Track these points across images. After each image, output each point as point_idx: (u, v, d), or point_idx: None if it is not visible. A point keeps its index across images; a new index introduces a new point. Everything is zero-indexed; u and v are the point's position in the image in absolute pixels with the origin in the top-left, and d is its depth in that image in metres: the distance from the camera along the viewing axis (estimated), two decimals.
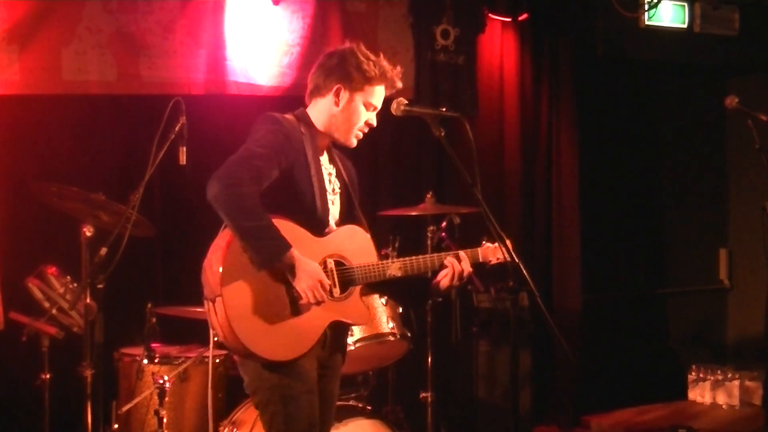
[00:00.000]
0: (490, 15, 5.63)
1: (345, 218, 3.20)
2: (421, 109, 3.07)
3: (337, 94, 3.07)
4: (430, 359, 4.65)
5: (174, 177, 4.56)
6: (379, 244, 4.46)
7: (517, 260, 2.83)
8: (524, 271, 2.82)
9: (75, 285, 3.87)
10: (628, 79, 6.31)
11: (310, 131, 3.09)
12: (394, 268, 3.11)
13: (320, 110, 3.11)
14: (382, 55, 3.13)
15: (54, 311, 3.86)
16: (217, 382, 4.09)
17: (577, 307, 5.84)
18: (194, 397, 4.06)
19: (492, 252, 3.24)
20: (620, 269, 6.46)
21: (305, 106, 3.16)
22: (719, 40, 5.87)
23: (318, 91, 3.11)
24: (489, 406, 5.27)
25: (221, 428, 4.00)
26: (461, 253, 3.18)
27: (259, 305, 2.89)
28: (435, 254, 3.18)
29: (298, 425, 2.94)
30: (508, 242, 2.90)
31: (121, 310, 4.22)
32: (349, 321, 3.12)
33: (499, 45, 5.71)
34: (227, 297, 2.85)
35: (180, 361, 4.03)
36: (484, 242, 3.25)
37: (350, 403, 4.15)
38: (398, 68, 3.15)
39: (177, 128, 3.71)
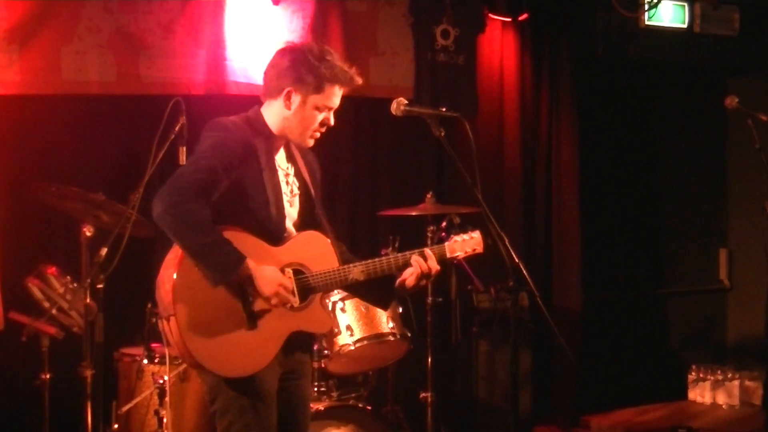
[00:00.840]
0: (490, 15, 5.63)
1: (305, 218, 3.11)
2: (421, 109, 3.04)
3: (288, 98, 2.97)
4: (430, 359, 4.65)
5: None
6: (379, 244, 4.48)
7: (516, 259, 2.82)
8: (524, 271, 2.81)
9: (75, 285, 3.87)
10: (628, 79, 6.31)
11: (264, 134, 3.00)
12: (356, 272, 3.02)
13: (273, 112, 3.02)
14: (335, 55, 3.02)
15: (54, 311, 3.86)
16: None
17: (577, 307, 5.84)
18: (194, 397, 4.05)
19: (460, 245, 3.14)
20: (620, 269, 6.46)
21: (260, 105, 3.07)
22: (719, 40, 5.86)
23: (270, 93, 3.02)
24: (489, 406, 5.27)
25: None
26: (427, 250, 3.06)
27: (214, 322, 2.83)
28: (399, 254, 3.07)
29: None
30: (506, 240, 2.86)
31: (121, 310, 4.22)
32: (310, 330, 3.05)
33: (499, 45, 5.71)
34: (180, 315, 2.79)
35: (180, 361, 4.02)
36: (452, 237, 3.15)
37: (350, 403, 4.15)
38: (354, 67, 3.03)
39: (177, 128, 3.71)
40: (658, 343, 6.55)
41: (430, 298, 4.59)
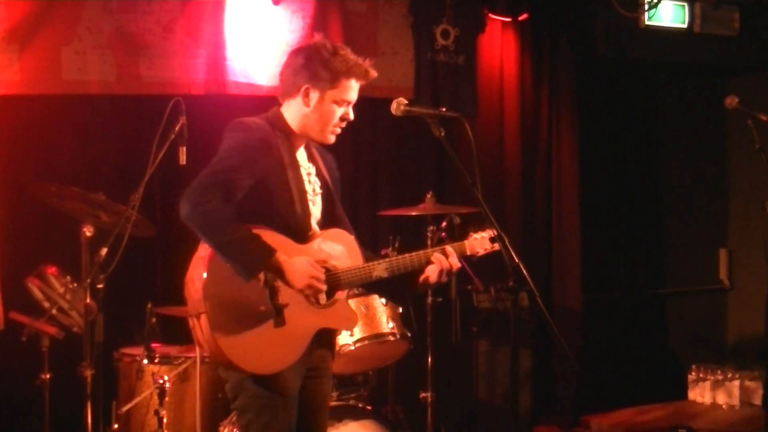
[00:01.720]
0: (490, 15, 5.63)
1: (327, 217, 3.15)
2: (421, 109, 3.04)
3: (306, 95, 3.00)
4: (430, 359, 4.65)
5: (174, 177, 4.56)
6: (379, 244, 4.48)
7: (516, 260, 2.82)
8: (524, 271, 2.82)
9: (75, 285, 3.87)
10: (628, 79, 6.31)
11: (285, 132, 3.03)
12: (380, 269, 3.06)
13: (293, 111, 3.05)
14: (348, 49, 3.06)
15: (54, 311, 3.86)
16: (217, 381, 4.08)
17: (577, 307, 5.84)
18: (194, 397, 4.05)
19: (479, 243, 3.19)
20: (620, 269, 6.46)
21: (279, 105, 3.10)
22: (719, 40, 5.86)
23: (288, 92, 3.05)
24: (489, 406, 5.27)
25: (221, 428, 4.00)
26: (448, 247, 3.12)
27: (243, 319, 2.85)
28: (421, 251, 3.12)
29: None
30: (506, 240, 2.86)
31: (121, 310, 4.22)
32: (336, 327, 3.09)
33: (499, 45, 5.71)
34: (211, 312, 2.81)
35: (180, 361, 4.03)
36: (471, 234, 3.21)
37: (350, 403, 4.15)
38: (367, 60, 3.07)
39: (177, 128, 3.72)
40: (658, 343, 6.55)
41: (430, 298, 4.59)
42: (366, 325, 4.09)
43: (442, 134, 2.95)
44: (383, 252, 3.98)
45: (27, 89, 4.51)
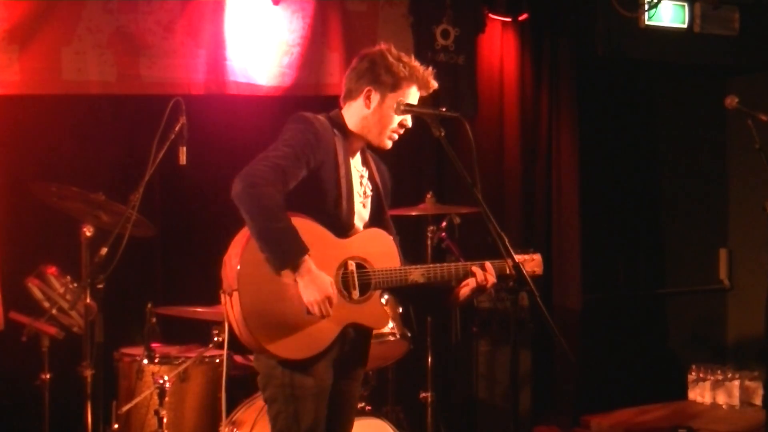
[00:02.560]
0: (490, 15, 5.63)
1: (373, 222, 3.17)
2: (421, 109, 3.06)
3: (367, 97, 3.05)
4: (430, 359, 4.65)
5: (174, 177, 4.56)
6: None
7: (516, 260, 2.83)
8: (524, 271, 2.82)
9: (75, 285, 3.87)
10: (628, 79, 6.31)
11: (343, 133, 3.08)
12: (417, 273, 3.06)
13: (353, 113, 3.10)
14: (413, 57, 3.13)
15: (54, 311, 3.86)
16: (217, 381, 4.08)
17: (577, 307, 5.84)
18: (194, 397, 4.06)
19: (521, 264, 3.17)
20: (620, 269, 6.46)
21: (340, 108, 3.15)
22: (719, 40, 5.86)
23: (350, 95, 3.10)
24: (489, 406, 5.27)
25: (221, 428, 4.00)
26: (487, 263, 3.10)
27: (274, 303, 2.87)
28: (461, 263, 3.12)
29: (302, 425, 2.93)
30: (506, 240, 2.87)
31: (121, 310, 4.22)
32: (366, 324, 3.07)
33: (499, 45, 5.71)
34: (243, 292, 2.85)
35: (180, 361, 4.03)
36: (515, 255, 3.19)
37: None
38: (429, 68, 3.13)
39: (177, 128, 3.72)
40: (658, 343, 6.55)
41: None
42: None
43: (442, 134, 2.95)
44: None
45: (27, 89, 4.51)
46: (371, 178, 3.19)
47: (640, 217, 6.52)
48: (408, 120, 3.12)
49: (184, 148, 3.74)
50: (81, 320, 3.78)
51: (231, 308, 2.90)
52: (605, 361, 6.06)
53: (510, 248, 2.83)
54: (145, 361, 4.02)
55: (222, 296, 2.97)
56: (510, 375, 5.08)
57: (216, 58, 4.83)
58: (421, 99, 3.14)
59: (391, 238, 3.15)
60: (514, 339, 4.48)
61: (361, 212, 3.12)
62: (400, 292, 3.22)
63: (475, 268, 3.09)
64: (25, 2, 4.48)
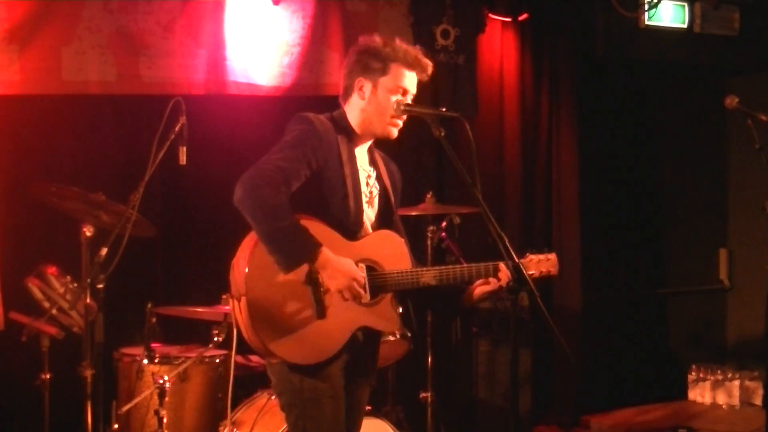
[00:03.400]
0: (490, 15, 5.63)
1: (382, 222, 3.14)
2: (421, 109, 3.04)
3: (360, 88, 3.03)
4: (430, 359, 4.65)
5: (174, 177, 4.56)
6: None
7: (517, 260, 2.82)
8: (524, 271, 2.82)
9: (75, 285, 3.86)
10: (628, 79, 6.31)
11: (347, 132, 3.05)
12: (429, 276, 3.03)
13: (353, 109, 3.07)
14: (398, 39, 3.06)
15: (54, 311, 3.85)
16: (217, 381, 4.09)
17: (577, 307, 5.84)
18: (194, 397, 4.05)
19: (535, 264, 3.15)
20: (620, 269, 6.46)
21: (342, 108, 3.12)
22: (719, 40, 5.87)
23: (347, 92, 3.08)
24: (489, 406, 5.27)
25: (221, 428, 4.00)
26: (501, 263, 3.06)
27: (283, 307, 2.85)
28: (473, 264, 3.08)
29: (322, 430, 2.91)
30: (506, 240, 2.85)
31: (121, 310, 4.22)
32: (377, 327, 3.04)
33: (499, 45, 5.71)
34: (251, 297, 2.82)
35: (180, 361, 4.02)
36: (528, 255, 3.15)
37: None
38: (418, 47, 3.07)
39: (177, 128, 3.72)
40: (658, 343, 6.55)
41: None
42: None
43: (442, 134, 2.94)
44: None
45: (27, 89, 4.51)
46: (379, 178, 3.17)
47: (640, 217, 6.53)
48: (407, 97, 3.04)
49: (184, 148, 3.74)
50: (81, 320, 3.78)
51: (239, 313, 2.88)
52: (605, 361, 6.06)
53: (510, 248, 2.82)
54: (145, 361, 4.02)
55: (230, 301, 2.95)
56: (510, 375, 5.07)
57: (216, 58, 4.83)
58: (420, 84, 3.08)
59: (403, 240, 3.12)
60: (514, 339, 4.44)
61: (368, 212, 3.09)
62: (412, 294, 3.19)
63: (503, 267, 3.02)
64: (25, 2, 4.48)
